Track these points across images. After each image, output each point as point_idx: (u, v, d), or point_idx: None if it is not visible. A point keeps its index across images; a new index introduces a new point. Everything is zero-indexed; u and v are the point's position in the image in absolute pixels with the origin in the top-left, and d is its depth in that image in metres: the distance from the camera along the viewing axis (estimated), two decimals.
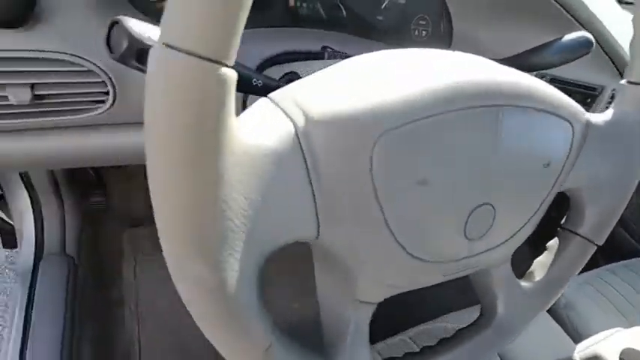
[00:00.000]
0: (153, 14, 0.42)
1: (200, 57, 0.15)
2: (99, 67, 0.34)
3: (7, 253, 0.93)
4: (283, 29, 0.50)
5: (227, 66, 0.16)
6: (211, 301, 0.20)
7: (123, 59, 0.24)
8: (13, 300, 0.72)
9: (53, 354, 0.62)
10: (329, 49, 0.41)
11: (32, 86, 0.32)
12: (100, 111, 0.37)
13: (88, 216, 0.84)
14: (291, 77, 0.35)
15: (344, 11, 0.54)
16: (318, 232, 0.23)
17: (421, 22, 0.61)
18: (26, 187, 0.73)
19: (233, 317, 0.21)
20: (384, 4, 0.57)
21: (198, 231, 0.17)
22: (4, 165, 0.38)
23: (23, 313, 0.67)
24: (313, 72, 0.36)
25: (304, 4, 0.51)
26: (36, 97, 0.32)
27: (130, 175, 0.91)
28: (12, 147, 0.35)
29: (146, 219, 1.03)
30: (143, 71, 0.25)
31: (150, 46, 0.24)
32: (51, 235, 0.77)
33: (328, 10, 0.53)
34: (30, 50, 0.31)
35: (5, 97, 0.32)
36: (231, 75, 0.16)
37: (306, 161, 0.20)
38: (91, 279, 0.82)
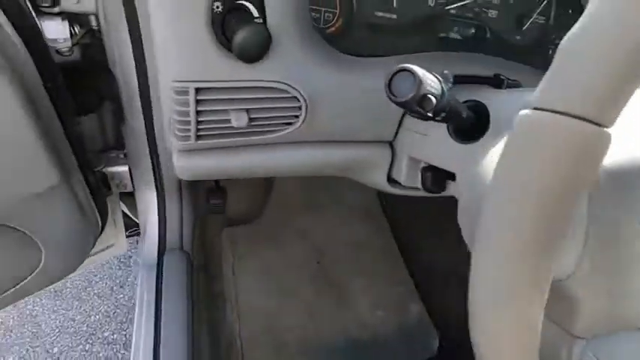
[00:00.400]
0: (326, 39, 0.45)
1: (589, 122, 0.17)
2: (301, 93, 0.37)
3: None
4: (429, 54, 0.51)
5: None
6: (526, 335, 0.21)
7: (407, 104, 0.27)
8: (140, 288, 0.79)
9: (183, 340, 0.69)
10: (502, 77, 0.42)
11: (247, 111, 0.36)
12: (287, 131, 0.41)
13: (200, 215, 0.91)
14: (477, 104, 0.37)
15: (488, 33, 0.55)
16: (572, 272, 0.24)
17: (557, 41, 0.60)
18: (156, 188, 0.80)
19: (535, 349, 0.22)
20: (526, 25, 0.56)
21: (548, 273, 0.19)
22: (220, 175, 0.43)
23: (153, 302, 0.74)
24: (501, 102, 0.36)
25: (451, 28, 0.53)
26: (250, 119, 0.36)
27: (235, 180, 0.97)
28: (226, 161, 0.40)
29: (243, 220, 1.10)
30: (419, 114, 0.27)
31: (429, 93, 0.26)
32: (172, 231, 0.84)
33: (473, 32, 0.54)
34: (253, 80, 0.35)
35: (228, 120, 0.36)
36: (610, 136, 0.17)
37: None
38: (201, 273, 0.89)
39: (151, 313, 0.73)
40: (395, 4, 0.48)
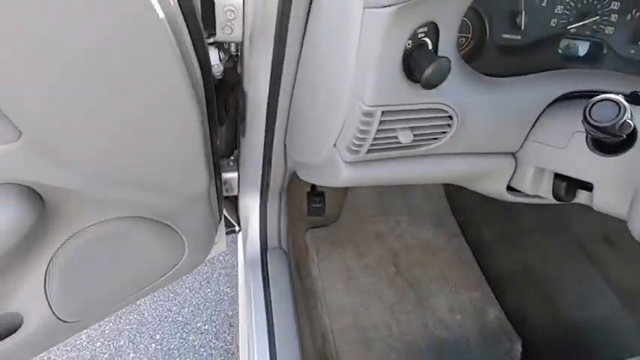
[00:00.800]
0: None
1: None
2: (455, 112, 0.43)
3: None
4: (554, 72, 0.54)
5: None
6: None
7: (606, 129, 0.32)
8: (246, 281, 0.88)
9: (293, 329, 0.76)
10: (639, 93, 0.45)
11: (411, 128, 0.42)
12: (434, 145, 0.46)
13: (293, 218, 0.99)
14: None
15: (605, 48, 0.57)
16: None
17: None
18: (261, 193, 0.89)
19: None
20: None
21: None
22: (375, 182, 0.49)
23: (261, 294, 0.82)
24: None
25: (571, 46, 0.56)
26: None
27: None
28: (382, 170, 0.46)
29: (323, 223, 1.17)
30: (610, 135, 0.32)
31: (629, 118, 0.30)
32: (271, 232, 0.92)
33: (591, 48, 0.57)
34: (425, 103, 0.40)
35: (394, 137, 0.42)
36: None
37: None
38: (295, 271, 0.96)
39: (261, 304, 0.80)
40: (522, 27, 0.52)
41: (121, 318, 1.19)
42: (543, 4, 0.53)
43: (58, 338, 0.60)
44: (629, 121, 0.31)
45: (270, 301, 0.80)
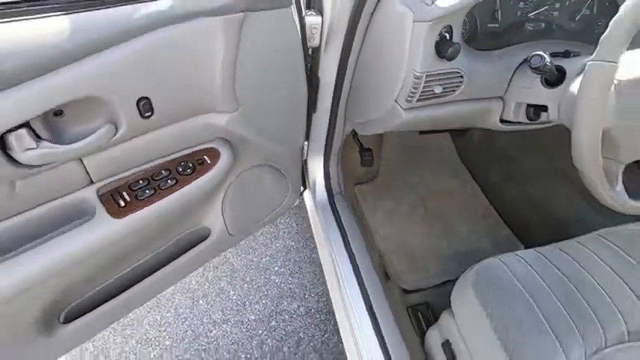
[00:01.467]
0: None
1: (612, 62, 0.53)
2: (465, 73, 0.76)
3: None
4: (522, 44, 0.86)
5: None
6: (596, 152, 0.58)
7: (538, 69, 0.64)
8: (321, 221, 1.21)
9: (366, 253, 1.07)
10: (569, 51, 0.77)
11: (440, 85, 0.75)
12: (453, 95, 0.80)
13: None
14: (558, 66, 0.71)
15: (554, 25, 0.90)
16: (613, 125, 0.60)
17: (599, 24, 0.94)
18: (325, 154, 1.22)
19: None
20: (577, 17, 0.91)
21: None
22: (421, 124, 0.82)
23: (337, 230, 1.13)
24: (572, 64, 0.73)
25: (532, 26, 0.88)
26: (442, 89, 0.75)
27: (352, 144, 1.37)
28: (423, 114, 0.80)
29: (365, 179, 1.50)
30: (540, 72, 0.65)
31: (548, 62, 0.64)
32: (334, 183, 1.26)
33: (544, 26, 0.89)
34: (449, 69, 0.73)
35: (432, 91, 0.75)
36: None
37: None
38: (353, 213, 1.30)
39: (339, 238, 1.12)
40: (499, 18, 0.85)
41: (217, 268, 1.54)
42: (511, 3, 0.85)
43: (226, 246, 0.94)
44: (547, 63, 0.63)
45: (345, 232, 1.12)
